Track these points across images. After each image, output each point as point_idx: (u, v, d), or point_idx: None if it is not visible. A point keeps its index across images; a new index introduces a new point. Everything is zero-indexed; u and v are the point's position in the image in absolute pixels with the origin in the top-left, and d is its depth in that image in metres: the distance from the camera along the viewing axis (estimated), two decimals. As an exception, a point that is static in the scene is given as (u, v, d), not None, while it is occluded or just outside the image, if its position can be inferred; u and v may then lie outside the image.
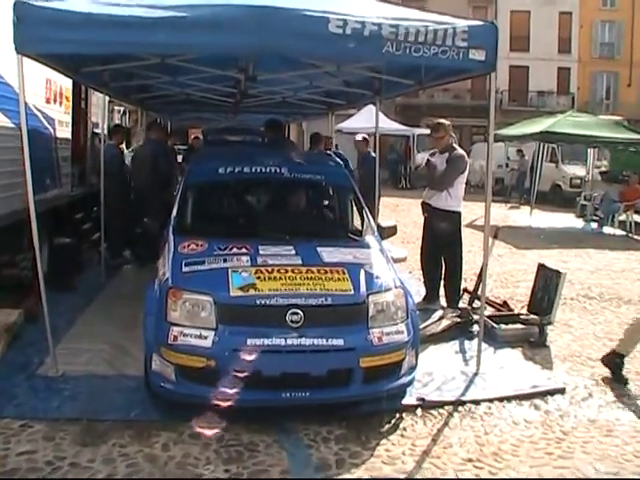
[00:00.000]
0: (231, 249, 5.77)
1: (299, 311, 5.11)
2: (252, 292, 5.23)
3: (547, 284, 8.04)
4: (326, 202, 7.28)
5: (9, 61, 6.64)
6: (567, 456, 4.98)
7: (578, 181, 24.99)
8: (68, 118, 10.51)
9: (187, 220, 6.63)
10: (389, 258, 6.24)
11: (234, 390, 5.01)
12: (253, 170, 6.82)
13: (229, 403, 5.03)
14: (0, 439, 4.79)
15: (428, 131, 12.62)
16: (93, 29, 5.27)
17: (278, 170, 6.85)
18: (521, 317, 8.00)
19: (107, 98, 11.42)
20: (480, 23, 5.93)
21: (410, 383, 5.74)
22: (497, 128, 24.05)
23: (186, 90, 10.47)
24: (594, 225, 19.38)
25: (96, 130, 11.91)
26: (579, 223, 20.32)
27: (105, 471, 4.44)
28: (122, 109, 15.18)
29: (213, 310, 5.12)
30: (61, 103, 10.06)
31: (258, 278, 5.35)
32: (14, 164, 7.26)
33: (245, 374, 5.01)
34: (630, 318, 8.95)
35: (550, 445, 5.14)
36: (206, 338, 5.03)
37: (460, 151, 8.65)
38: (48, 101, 9.33)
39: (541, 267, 8.37)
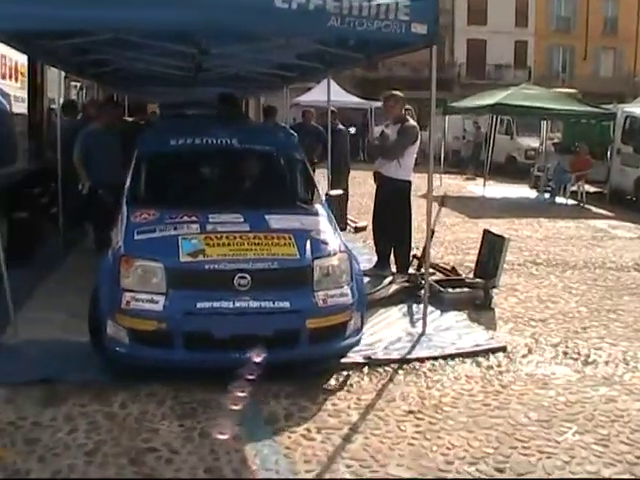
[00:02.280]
0: (182, 217, 5.95)
1: (246, 275, 5.32)
2: (201, 258, 5.45)
3: (492, 249, 8.35)
4: (275, 172, 7.38)
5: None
6: (503, 407, 5.30)
7: (532, 152, 25.43)
8: (24, 94, 10.56)
9: (140, 190, 6.74)
10: (335, 225, 6.46)
11: (185, 352, 5.27)
12: (204, 141, 6.99)
13: (181, 365, 5.30)
14: (-36, 403, 4.99)
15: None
16: (46, 5, 5.40)
17: (228, 141, 7.03)
18: (467, 281, 8.33)
19: (63, 73, 11.45)
20: (421, -3, 6.12)
21: (356, 344, 5.96)
22: (455, 100, 24.39)
23: (141, 64, 10.51)
24: (547, 195, 19.81)
25: (52, 106, 11.94)
26: (532, 194, 20.71)
27: (66, 429, 4.67)
28: (79, 84, 15.17)
29: (163, 275, 5.32)
30: (17, 79, 10.11)
31: (207, 244, 5.56)
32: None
33: (195, 336, 5.26)
34: (574, 282, 9.40)
35: (488, 397, 5.47)
36: (157, 302, 5.25)
37: (412, 122, 8.91)
38: (3, 77, 9.40)
39: (486, 233, 8.70)
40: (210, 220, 5.92)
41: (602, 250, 12.00)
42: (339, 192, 7.54)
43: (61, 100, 11.46)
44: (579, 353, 6.58)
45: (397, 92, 9.06)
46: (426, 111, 7.43)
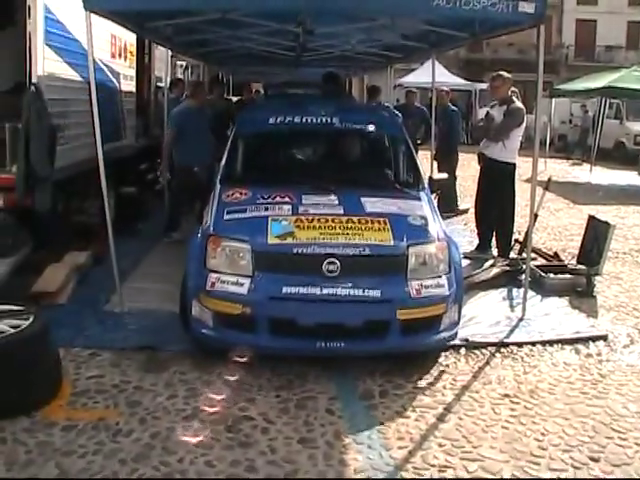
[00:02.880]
0: (274, 198, 5.79)
1: (336, 260, 5.10)
2: (290, 240, 5.26)
3: (596, 236, 8.12)
4: (376, 152, 7.18)
5: (77, 18, 7.01)
6: (601, 396, 5.18)
7: (643, 139, 24.50)
8: (132, 72, 10.89)
9: (235, 169, 6.65)
10: (436, 210, 6.15)
11: (269, 337, 5.14)
12: (304, 120, 6.77)
13: (265, 350, 5.18)
14: (72, 365, 5.26)
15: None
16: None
17: (329, 120, 6.79)
18: (569, 267, 8.13)
19: (170, 53, 11.74)
20: (529, -24, 5.99)
21: (452, 338, 5.65)
22: (562, 83, 23.71)
23: (246, 44, 10.63)
24: (657, 183, 19.07)
25: (159, 84, 12.27)
26: (641, 181, 19.98)
27: (166, 394, 4.87)
28: (184, 64, 15.53)
29: (250, 257, 5.19)
30: (126, 58, 10.43)
31: (297, 227, 5.36)
32: (82, 116, 7.66)
33: (280, 322, 5.12)
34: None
35: (586, 386, 5.35)
36: (242, 285, 5.10)
37: (518, 104, 8.72)
38: (113, 56, 9.69)
39: (591, 219, 8.47)
40: (303, 202, 5.72)
41: None
42: (444, 176, 7.38)
43: (168, 79, 11.77)
44: (685, 345, 6.34)
45: (504, 73, 8.89)
46: (532, 94, 7.23)
